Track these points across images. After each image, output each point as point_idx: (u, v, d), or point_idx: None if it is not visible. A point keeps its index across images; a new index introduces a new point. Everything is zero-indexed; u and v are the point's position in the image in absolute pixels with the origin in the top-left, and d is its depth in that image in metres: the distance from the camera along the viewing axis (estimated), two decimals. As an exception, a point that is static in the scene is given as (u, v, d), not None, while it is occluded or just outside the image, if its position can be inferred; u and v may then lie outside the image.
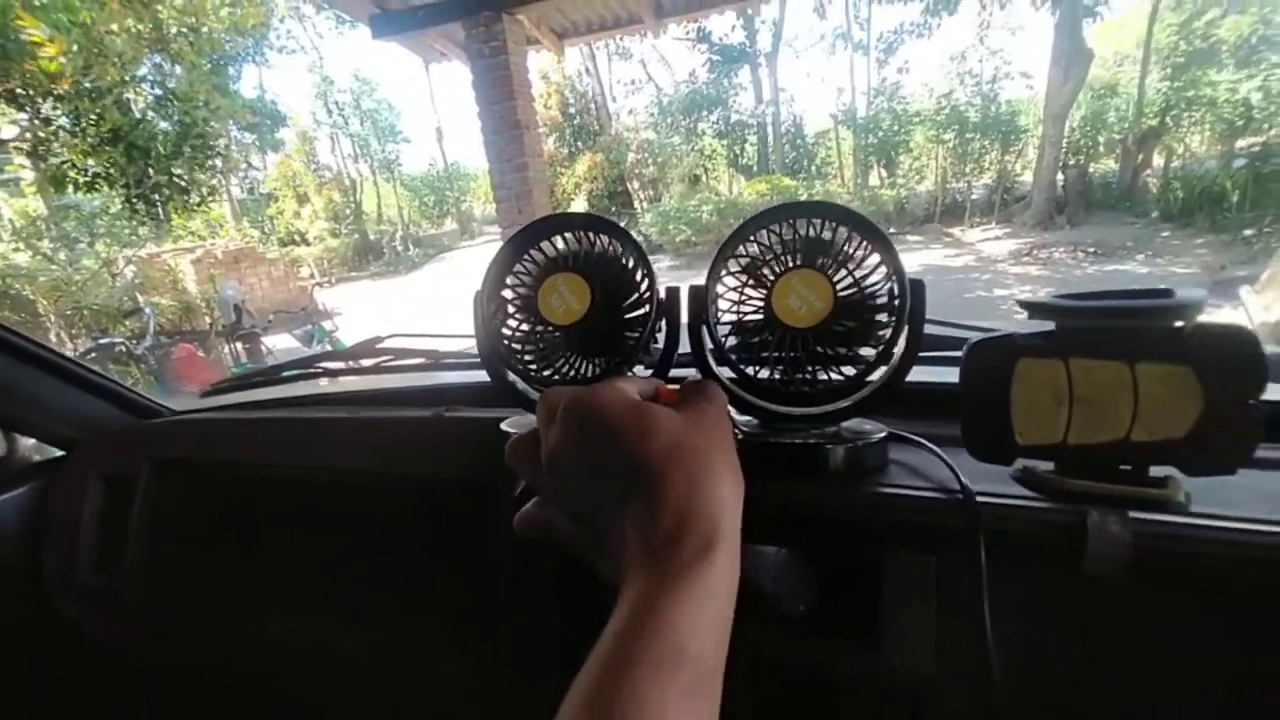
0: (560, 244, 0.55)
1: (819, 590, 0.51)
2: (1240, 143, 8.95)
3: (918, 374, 0.61)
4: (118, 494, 0.85)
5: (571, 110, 13.73)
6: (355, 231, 16.90)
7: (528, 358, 0.53)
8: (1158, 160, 10.13)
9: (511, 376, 0.56)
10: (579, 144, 13.58)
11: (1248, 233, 7.08)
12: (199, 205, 7.07)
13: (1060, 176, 9.95)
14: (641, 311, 0.51)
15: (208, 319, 6.98)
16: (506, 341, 0.53)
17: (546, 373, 0.53)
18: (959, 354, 0.42)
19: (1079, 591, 0.44)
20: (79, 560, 0.84)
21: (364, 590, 0.78)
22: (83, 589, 0.84)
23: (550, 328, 0.53)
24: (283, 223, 17.19)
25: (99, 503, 0.86)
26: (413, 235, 18.33)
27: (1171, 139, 9.99)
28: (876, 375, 0.47)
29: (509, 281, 0.54)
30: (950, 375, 0.44)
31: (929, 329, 0.58)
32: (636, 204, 12.89)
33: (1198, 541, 0.35)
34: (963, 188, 11.51)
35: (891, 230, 9.80)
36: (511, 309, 0.53)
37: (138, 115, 6.01)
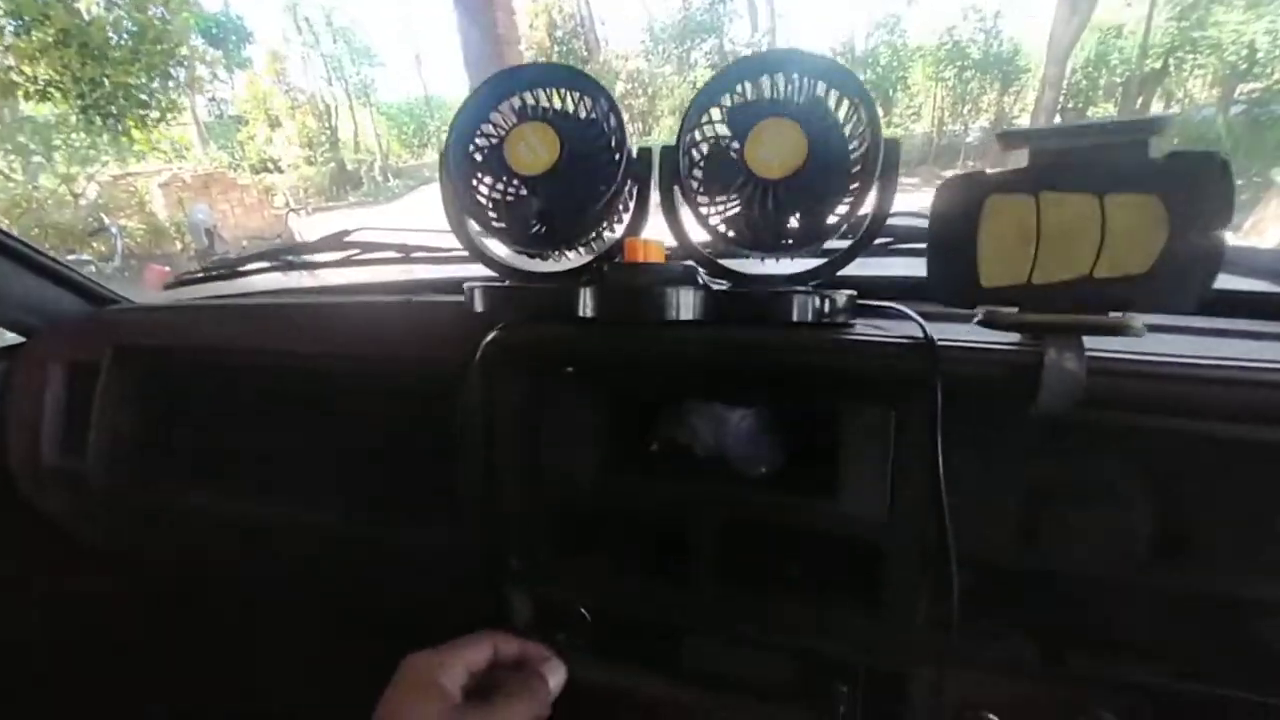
0: (530, 98, 0.52)
1: (782, 449, 0.52)
2: (1242, 88, 8.79)
3: (885, 266, 0.61)
4: (80, 380, 0.83)
5: (559, 34, 13.02)
6: (331, 160, 16.20)
7: (492, 212, 0.51)
8: (1158, 105, 9.95)
9: (480, 238, 0.55)
10: (566, 71, 12.93)
11: (1238, 182, 7.06)
12: (159, 120, 6.66)
13: (1059, 120, 9.76)
14: (610, 169, 0.50)
15: (178, 244, 6.74)
16: (475, 197, 0.51)
17: (512, 230, 0.51)
18: None
19: (1033, 440, 0.45)
20: (43, 445, 0.83)
21: (330, 474, 0.79)
22: (48, 473, 0.83)
23: (518, 183, 0.51)
24: (254, 148, 16.39)
25: (61, 388, 0.84)
26: (392, 166, 17.63)
27: (1173, 83, 9.78)
28: (839, 241, 0.46)
29: (478, 131, 0.52)
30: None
31: (910, 222, 0.57)
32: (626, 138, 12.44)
33: (1147, 376, 0.36)
34: (959, 129, 11.27)
35: (884, 171, 9.62)
36: (479, 158, 0.51)
37: (88, 16, 5.56)
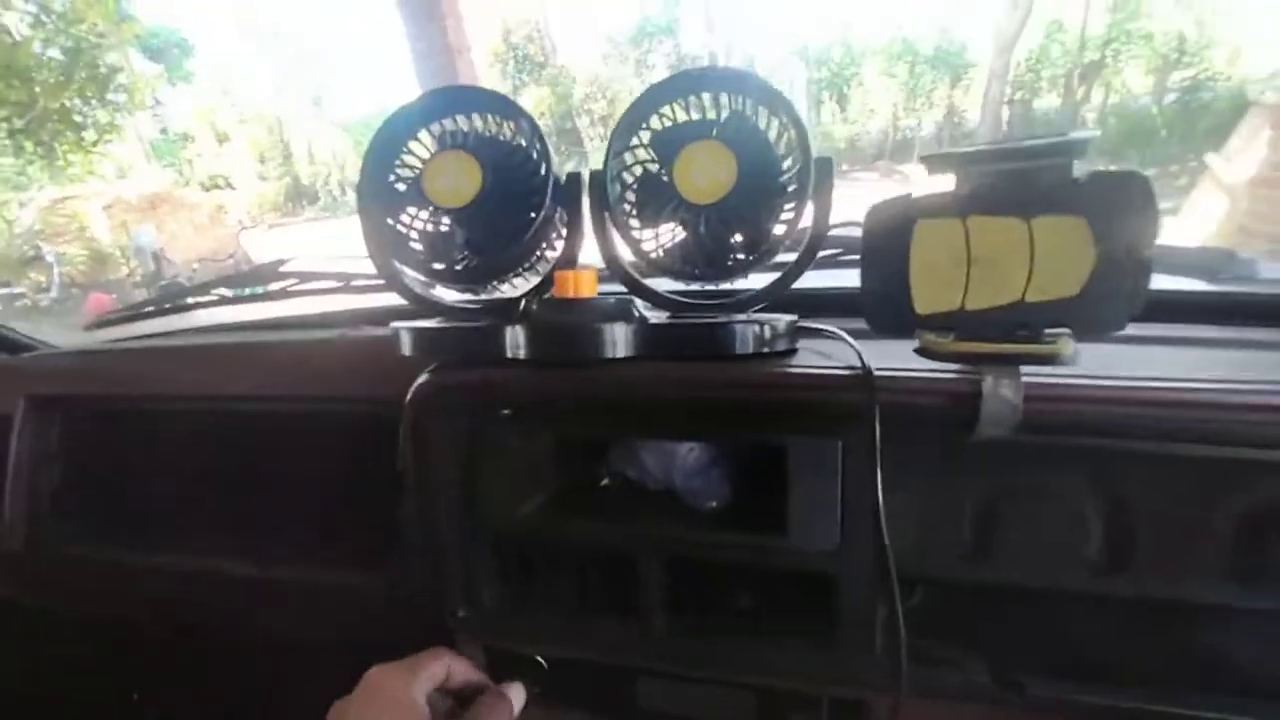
0: (450, 124, 0.50)
1: (731, 480, 0.50)
2: (1174, 77, 9.19)
3: (834, 278, 0.60)
4: (-12, 432, 0.77)
5: (514, 39, 12.92)
6: (286, 174, 15.75)
7: (416, 246, 0.48)
8: (1098, 94, 10.34)
9: (405, 274, 0.52)
10: (523, 76, 12.85)
11: (1173, 168, 7.37)
12: (95, 144, 6.36)
13: (1005, 112, 10.05)
14: (537, 197, 0.47)
15: (124, 269, 6.46)
16: (396, 231, 0.49)
17: (439, 266, 0.48)
18: None
19: (974, 464, 0.44)
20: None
21: (265, 518, 0.74)
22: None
23: (441, 215, 0.48)
24: (202, 166, 15.84)
25: (-31, 444, 0.78)
26: (349, 179, 17.24)
27: (1110, 73, 10.17)
28: (782, 256, 0.45)
29: (398, 160, 0.49)
30: None
31: (848, 233, 0.56)
32: (586, 143, 12.41)
33: (1081, 399, 0.35)
34: (913, 124, 11.52)
35: (844, 167, 9.79)
36: (400, 188, 0.48)
37: (16, 37, 5.29)
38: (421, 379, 0.48)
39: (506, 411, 0.48)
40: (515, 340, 0.43)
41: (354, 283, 0.88)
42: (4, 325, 0.85)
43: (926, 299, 0.36)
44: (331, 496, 0.68)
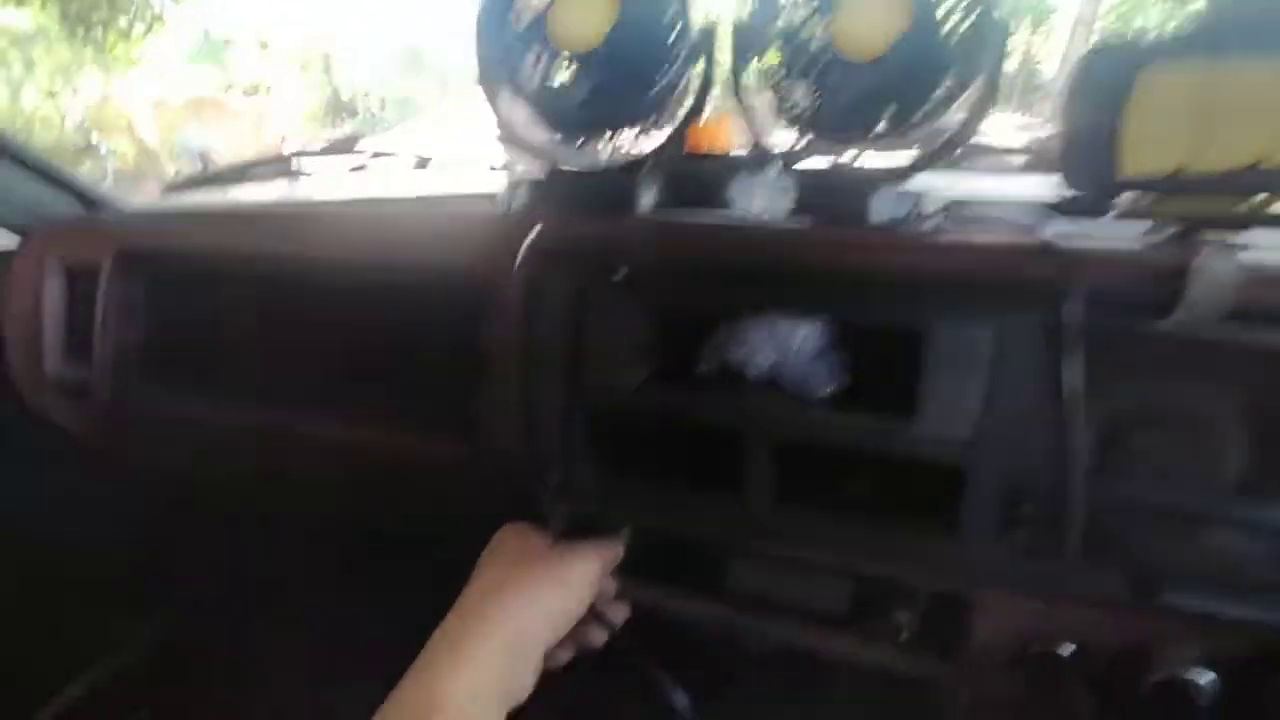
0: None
1: (851, 369, 0.48)
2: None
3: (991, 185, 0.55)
4: (80, 285, 0.78)
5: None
6: (328, 84, 15.48)
7: (533, 95, 0.45)
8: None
9: (521, 127, 0.49)
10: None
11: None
12: (147, 31, 6.27)
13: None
14: (672, 43, 0.43)
15: (171, 168, 6.49)
16: (513, 74, 0.45)
17: (558, 116, 0.45)
18: None
19: (1135, 363, 0.41)
20: (44, 355, 0.79)
21: (347, 385, 0.75)
22: (51, 383, 0.80)
23: (565, 57, 0.45)
24: (242, 72, 15.61)
25: (60, 295, 0.80)
26: (391, 97, 16.87)
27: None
28: (949, 117, 0.41)
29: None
30: None
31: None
32: None
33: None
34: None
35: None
36: (519, 27, 0.45)
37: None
38: (536, 233, 0.45)
39: (621, 274, 0.46)
40: (643, 192, 0.40)
41: (432, 163, 0.86)
42: (90, 183, 0.85)
43: (1138, 158, 0.32)
44: (417, 365, 0.68)
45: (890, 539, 0.45)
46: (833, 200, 0.40)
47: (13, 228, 0.82)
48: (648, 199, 0.41)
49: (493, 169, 0.87)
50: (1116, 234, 0.35)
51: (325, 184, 0.89)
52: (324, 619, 1.05)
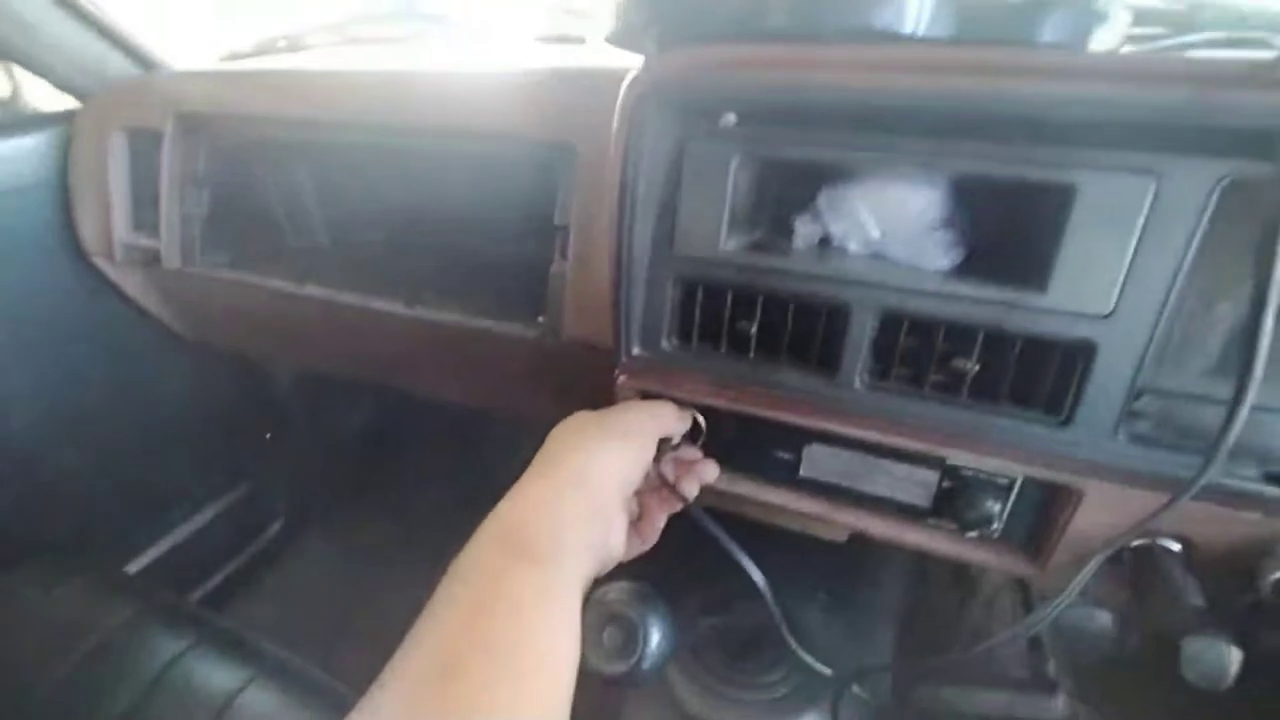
0: None
1: (962, 249, 0.44)
2: None
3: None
4: (142, 148, 0.77)
5: None
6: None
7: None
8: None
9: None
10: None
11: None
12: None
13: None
14: None
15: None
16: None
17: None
18: None
19: None
20: (114, 221, 0.79)
21: (413, 258, 0.73)
22: (121, 249, 0.80)
23: None
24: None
25: (125, 159, 0.79)
26: None
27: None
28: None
29: None
30: None
31: None
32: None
33: None
34: None
35: None
36: None
37: None
38: (641, 68, 0.41)
39: (731, 118, 0.41)
40: (765, 2, 0.35)
41: (504, 39, 0.81)
42: (144, 42, 0.82)
43: None
44: (486, 240, 0.66)
45: (995, 427, 0.42)
46: (994, 18, 0.35)
47: (70, 87, 0.80)
48: (772, 19, 0.36)
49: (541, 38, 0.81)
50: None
51: (383, 52, 0.85)
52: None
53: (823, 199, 0.47)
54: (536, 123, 0.56)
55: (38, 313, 0.84)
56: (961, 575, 0.93)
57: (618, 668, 0.36)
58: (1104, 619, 0.90)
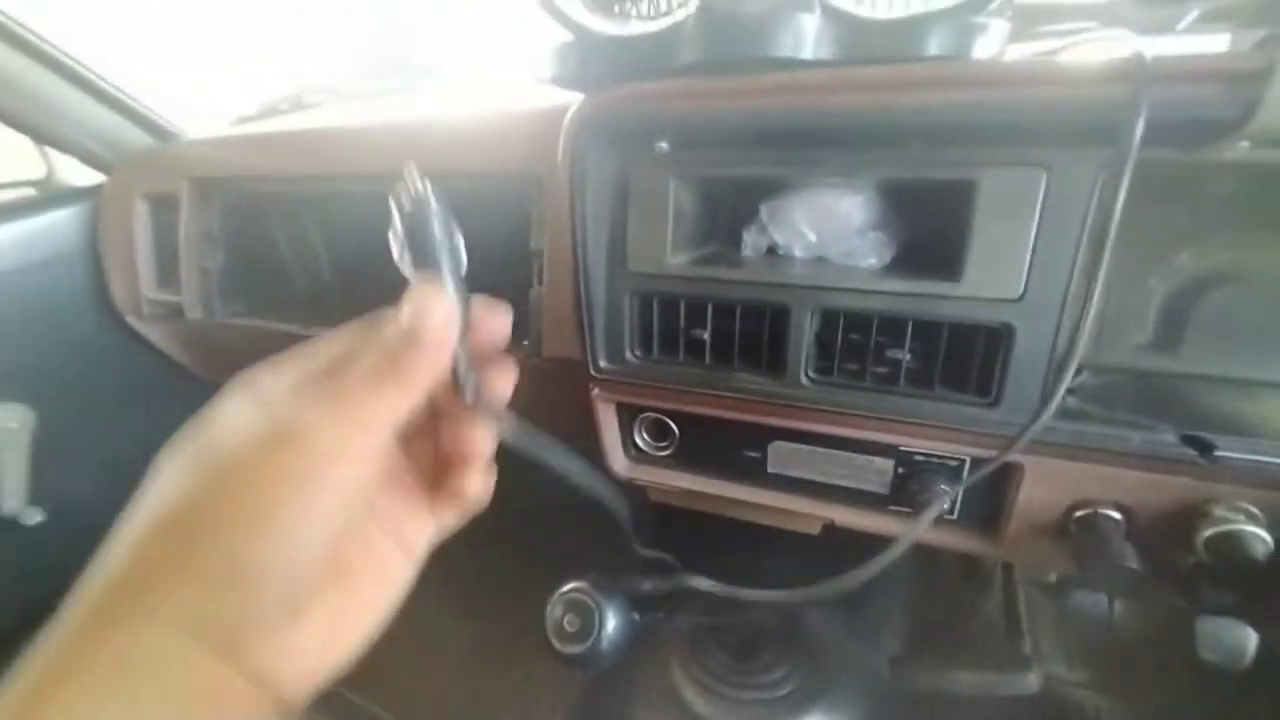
0: None
1: (891, 248, 0.47)
2: None
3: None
4: (162, 212, 0.84)
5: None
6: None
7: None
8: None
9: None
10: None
11: None
12: None
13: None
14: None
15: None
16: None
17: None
18: None
19: (1199, 218, 0.38)
20: (140, 279, 0.87)
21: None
22: (148, 304, 0.87)
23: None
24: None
25: (148, 222, 0.86)
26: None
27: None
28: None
29: None
30: None
31: None
32: None
33: None
34: None
35: None
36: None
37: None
38: (578, 104, 0.46)
39: (664, 145, 0.45)
40: (686, 37, 0.40)
41: (475, 79, 0.87)
42: (158, 114, 0.90)
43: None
44: (476, 268, 0.70)
45: (935, 412, 0.45)
46: (881, 38, 0.38)
47: (91, 158, 0.88)
48: (691, 43, 0.40)
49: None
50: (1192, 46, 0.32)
51: (374, 107, 0.92)
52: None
53: (764, 211, 0.51)
54: (507, 158, 0.61)
55: (80, 368, 0.91)
56: (968, 566, 0.93)
57: (576, 649, 0.39)
58: (1109, 604, 0.89)
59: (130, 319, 0.91)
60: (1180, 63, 0.31)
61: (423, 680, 0.89)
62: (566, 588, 0.43)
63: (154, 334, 0.93)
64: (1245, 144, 0.31)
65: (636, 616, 0.43)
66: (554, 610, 0.41)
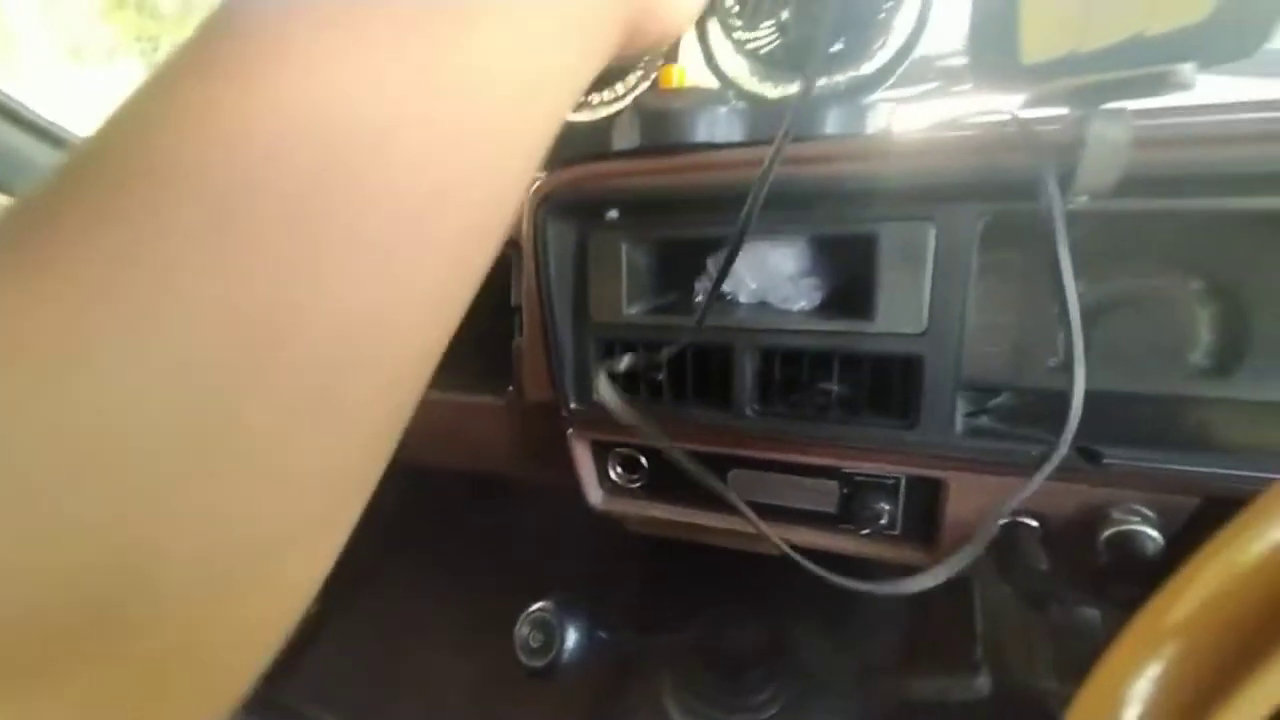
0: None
1: (821, 291, 0.53)
2: None
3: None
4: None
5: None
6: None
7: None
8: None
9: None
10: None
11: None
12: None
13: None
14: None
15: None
16: None
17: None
18: None
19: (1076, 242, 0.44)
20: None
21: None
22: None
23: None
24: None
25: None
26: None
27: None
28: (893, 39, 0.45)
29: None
30: None
31: None
32: None
33: (1199, 141, 0.35)
34: None
35: None
36: None
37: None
38: (538, 181, 0.53)
39: (613, 213, 0.52)
40: (622, 128, 0.47)
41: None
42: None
43: (1036, 44, 0.36)
44: (466, 330, 0.77)
45: (865, 436, 0.50)
46: (790, 121, 0.45)
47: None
48: (625, 132, 0.47)
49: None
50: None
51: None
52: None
53: (710, 263, 0.57)
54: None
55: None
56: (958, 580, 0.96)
57: (538, 663, 0.44)
58: (1092, 617, 0.91)
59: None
60: (1015, 133, 0.38)
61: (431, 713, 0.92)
62: (533, 607, 0.47)
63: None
64: (1084, 198, 0.37)
65: (603, 634, 0.47)
66: (521, 629, 0.46)
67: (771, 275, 0.55)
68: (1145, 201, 0.37)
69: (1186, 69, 0.31)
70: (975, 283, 0.44)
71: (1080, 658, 0.78)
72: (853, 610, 0.88)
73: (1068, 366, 0.48)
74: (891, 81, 0.46)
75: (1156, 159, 0.35)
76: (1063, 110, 0.37)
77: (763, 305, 0.55)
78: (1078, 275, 0.47)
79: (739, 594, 0.90)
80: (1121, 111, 0.34)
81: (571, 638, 0.45)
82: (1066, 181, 0.36)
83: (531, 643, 0.45)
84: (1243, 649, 0.17)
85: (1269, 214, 0.37)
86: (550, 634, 0.45)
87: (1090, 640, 0.91)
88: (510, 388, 0.72)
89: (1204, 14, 0.32)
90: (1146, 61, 0.33)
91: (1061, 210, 0.35)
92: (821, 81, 0.49)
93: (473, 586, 1.12)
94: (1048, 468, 0.42)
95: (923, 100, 0.54)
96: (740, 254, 0.56)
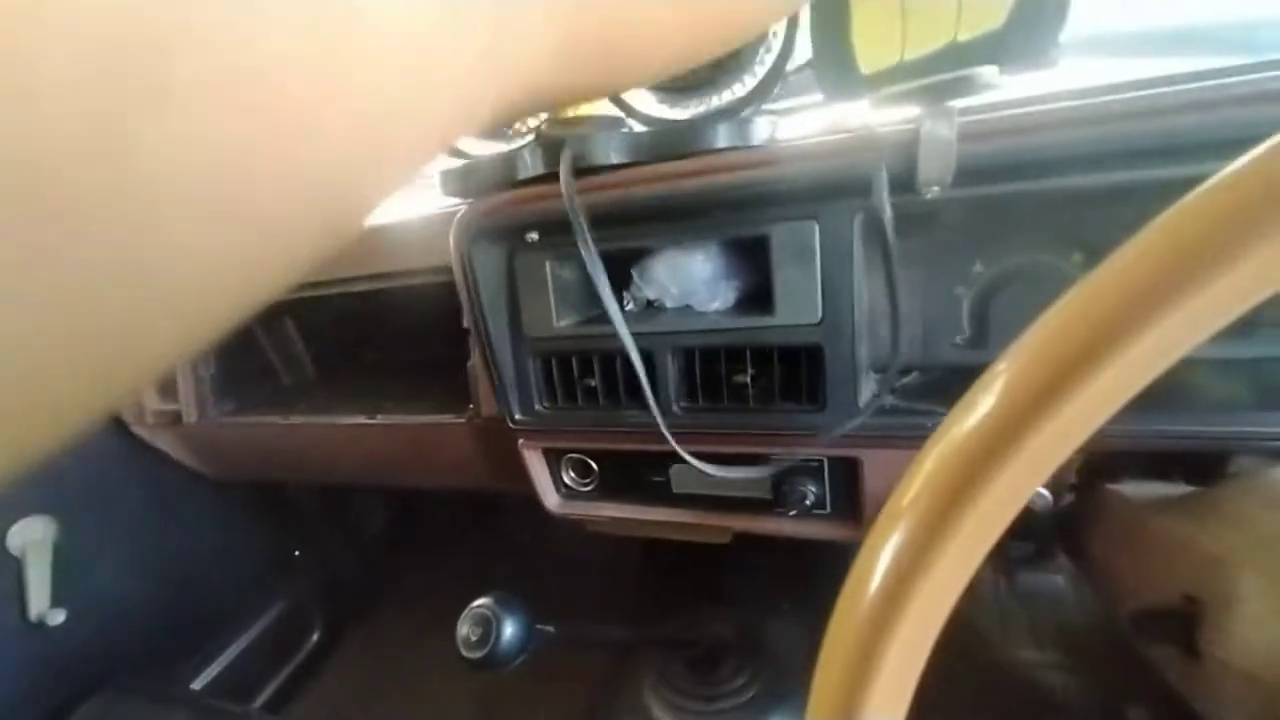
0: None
1: (736, 293, 0.57)
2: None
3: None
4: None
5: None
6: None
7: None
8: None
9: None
10: None
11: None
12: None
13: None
14: None
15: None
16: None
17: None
18: None
19: (955, 242, 0.48)
20: (144, 392, 0.99)
21: (372, 380, 0.89)
22: (152, 415, 0.99)
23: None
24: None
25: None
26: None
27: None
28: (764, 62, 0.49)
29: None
30: None
31: None
32: None
33: (1021, 128, 0.38)
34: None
35: None
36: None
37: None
38: (460, 212, 0.57)
39: (533, 235, 0.56)
40: (527, 159, 0.51)
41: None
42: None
43: (870, 56, 0.39)
44: (423, 355, 0.80)
45: (781, 423, 0.53)
46: (679, 140, 0.49)
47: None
48: (530, 162, 0.51)
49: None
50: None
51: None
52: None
53: (635, 273, 0.61)
54: (430, 255, 0.73)
55: (97, 476, 1.03)
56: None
57: (477, 654, 0.47)
58: (1059, 583, 0.94)
59: (137, 429, 1.02)
60: (865, 136, 0.42)
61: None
62: (475, 603, 0.51)
63: (159, 440, 1.04)
64: (935, 189, 0.41)
65: (544, 627, 0.51)
66: (461, 626, 0.49)
67: (691, 280, 0.59)
68: (991, 187, 0.41)
69: (989, 71, 0.35)
70: (866, 273, 0.47)
71: (1053, 626, 0.81)
72: (820, 595, 0.91)
73: (974, 344, 0.53)
74: (769, 98, 0.50)
75: (984, 150, 0.39)
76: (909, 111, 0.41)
77: (686, 309, 0.59)
78: (975, 256, 0.51)
79: (711, 591, 0.93)
80: (949, 110, 0.38)
81: (509, 630, 0.48)
82: (911, 176, 0.40)
83: (471, 636, 0.48)
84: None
85: (1111, 189, 0.41)
86: (488, 628, 0.48)
87: (1061, 607, 0.94)
88: (470, 406, 0.75)
89: (1001, 20, 0.36)
90: (962, 65, 0.37)
91: (887, 204, 0.39)
92: (702, 107, 0.53)
93: (466, 605, 1.14)
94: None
95: (807, 111, 0.58)
96: (662, 263, 0.60)
